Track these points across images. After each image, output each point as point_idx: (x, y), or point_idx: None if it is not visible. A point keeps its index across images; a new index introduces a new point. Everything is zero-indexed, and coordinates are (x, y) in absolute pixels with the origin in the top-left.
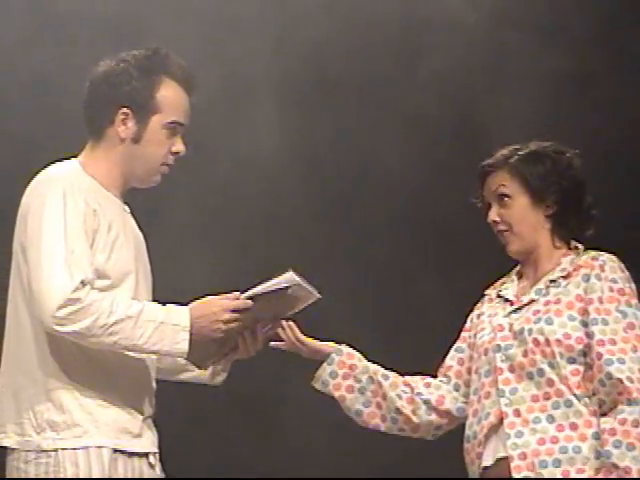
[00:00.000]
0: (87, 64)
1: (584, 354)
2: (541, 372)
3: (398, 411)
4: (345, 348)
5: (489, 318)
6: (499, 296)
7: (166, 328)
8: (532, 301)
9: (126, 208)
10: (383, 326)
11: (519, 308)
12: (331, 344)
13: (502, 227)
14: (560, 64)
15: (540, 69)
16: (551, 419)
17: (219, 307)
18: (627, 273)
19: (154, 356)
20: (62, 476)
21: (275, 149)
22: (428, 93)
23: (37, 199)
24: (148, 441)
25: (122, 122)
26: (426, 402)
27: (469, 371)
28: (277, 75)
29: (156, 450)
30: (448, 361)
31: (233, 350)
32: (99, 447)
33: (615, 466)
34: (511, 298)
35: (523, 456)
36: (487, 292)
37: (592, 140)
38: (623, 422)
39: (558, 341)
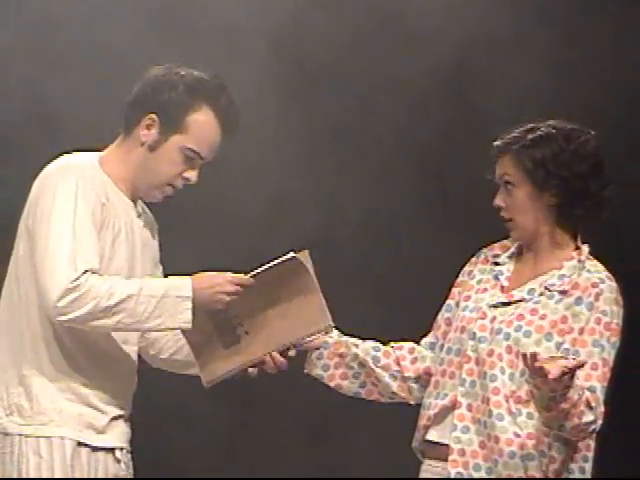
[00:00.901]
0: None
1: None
2: (494, 378)
3: (394, 394)
4: (331, 338)
5: (477, 287)
6: (495, 264)
7: (168, 301)
8: (522, 300)
9: (138, 209)
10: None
11: (508, 303)
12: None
13: (505, 214)
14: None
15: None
16: (492, 427)
17: (223, 279)
18: (620, 305)
19: (130, 344)
20: (24, 466)
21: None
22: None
23: (50, 186)
24: (114, 437)
25: (147, 127)
26: (417, 380)
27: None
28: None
29: (123, 446)
30: (439, 319)
31: (247, 368)
32: (61, 438)
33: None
34: (503, 281)
35: (462, 452)
36: (484, 251)
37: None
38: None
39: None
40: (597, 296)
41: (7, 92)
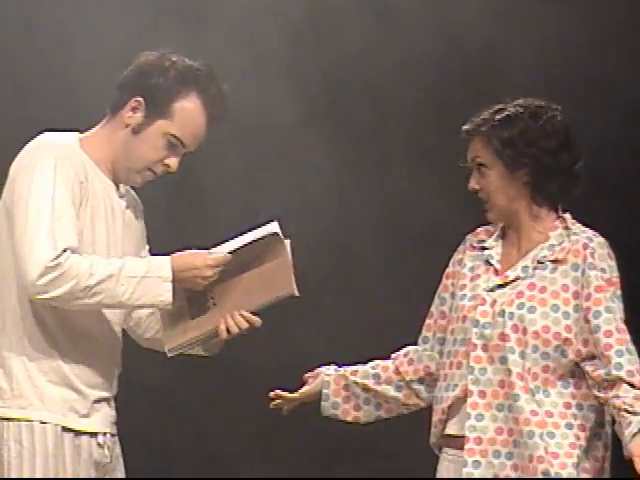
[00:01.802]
0: None
1: (561, 351)
2: (504, 360)
3: (405, 404)
4: (328, 376)
5: (470, 275)
6: (482, 249)
7: (148, 281)
8: (517, 278)
9: (120, 191)
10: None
11: (504, 284)
12: (317, 379)
13: (481, 195)
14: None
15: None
16: (509, 409)
17: (202, 263)
18: (614, 260)
19: (114, 324)
20: (6, 454)
21: None
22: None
23: (28, 164)
24: (97, 421)
25: (132, 109)
26: (420, 381)
27: (451, 322)
28: None
29: (107, 430)
30: (433, 312)
31: (209, 333)
32: (43, 423)
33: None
34: (495, 264)
35: (479, 441)
36: (469, 237)
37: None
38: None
39: (535, 333)
40: (592, 255)
41: None
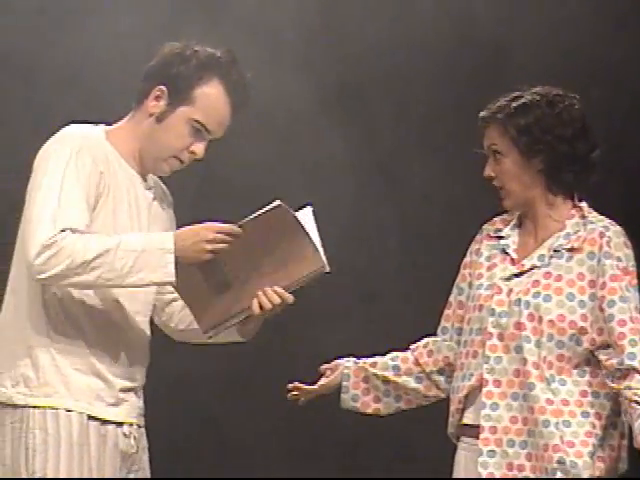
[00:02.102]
0: None
1: (576, 339)
2: (519, 349)
3: (425, 396)
4: (348, 368)
5: (487, 264)
6: (499, 238)
7: (149, 255)
8: (533, 267)
9: (148, 183)
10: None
11: (520, 273)
12: (336, 371)
13: (496, 183)
14: None
15: None
16: (524, 398)
17: (203, 227)
18: (630, 249)
19: (142, 315)
20: (31, 441)
21: None
22: None
23: (45, 156)
24: (124, 411)
25: (155, 98)
26: (440, 372)
27: (467, 311)
28: None
29: (133, 421)
30: (452, 302)
31: (242, 312)
32: (68, 411)
33: None
34: (512, 254)
35: (494, 430)
36: (485, 227)
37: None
38: None
39: (551, 322)
40: (608, 244)
41: None
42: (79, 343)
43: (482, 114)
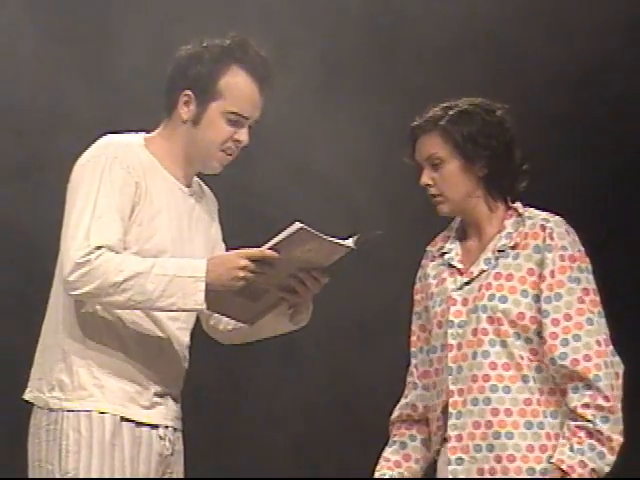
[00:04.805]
0: None
1: (539, 333)
2: (486, 354)
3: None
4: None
5: (435, 282)
6: (442, 255)
7: (180, 280)
8: (482, 272)
9: (192, 189)
10: None
11: (471, 280)
12: None
13: (434, 191)
14: None
15: None
16: (487, 401)
17: (234, 254)
18: (574, 235)
19: (180, 322)
20: (64, 442)
21: None
22: None
23: (80, 168)
24: (159, 413)
25: (185, 104)
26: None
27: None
28: None
29: (169, 424)
30: (414, 330)
31: (284, 299)
32: (102, 413)
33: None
34: (457, 265)
35: (459, 438)
36: (429, 249)
37: None
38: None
39: (513, 322)
40: (550, 235)
41: None
42: (114, 348)
43: (418, 123)
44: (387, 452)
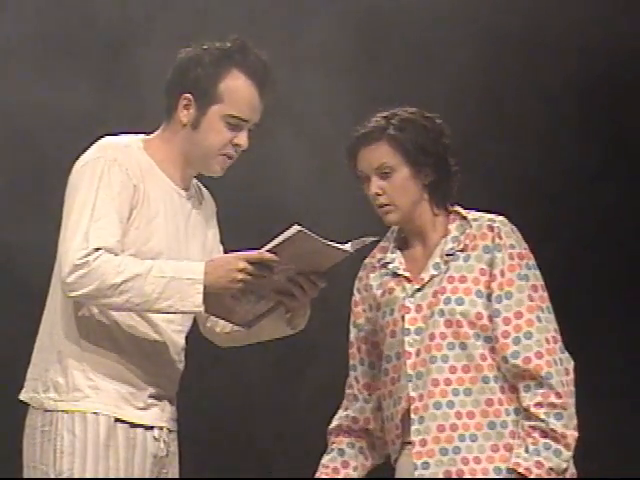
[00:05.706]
0: None
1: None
2: (445, 358)
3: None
4: None
5: (380, 292)
6: (383, 266)
7: (178, 282)
8: (433, 277)
9: (189, 192)
10: None
11: (422, 287)
12: None
13: (383, 200)
14: None
15: None
16: (451, 405)
17: (233, 257)
18: (518, 233)
19: (176, 324)
20: (59, 443)
21: None
22: None
23: (80, 169)
24: (153, 415)
25: (184, 107)
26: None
27: (375, 345)
28: None
29: (164, 425)
30: (354, 342)
31: (282, 303)
32: (96, 414)
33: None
34: (404, 273)
35: (423, 442)
36: (367, 261)
37: None
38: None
39: (472, 323)
40: (499, 235)
41: None
42: (109, 349)
43: (362, 133)
44: (325, 459)
